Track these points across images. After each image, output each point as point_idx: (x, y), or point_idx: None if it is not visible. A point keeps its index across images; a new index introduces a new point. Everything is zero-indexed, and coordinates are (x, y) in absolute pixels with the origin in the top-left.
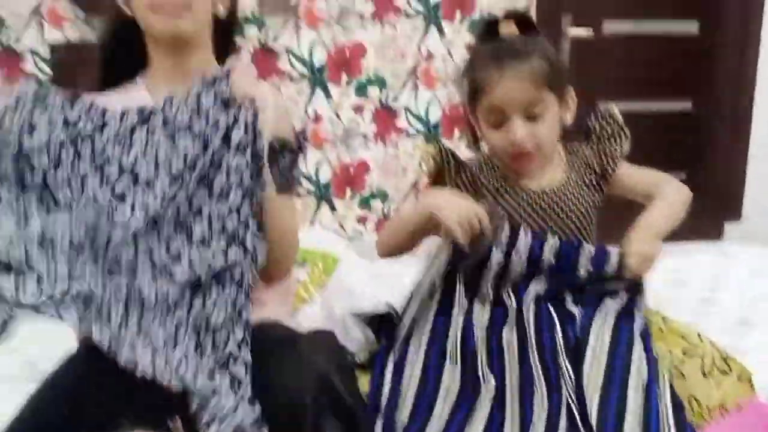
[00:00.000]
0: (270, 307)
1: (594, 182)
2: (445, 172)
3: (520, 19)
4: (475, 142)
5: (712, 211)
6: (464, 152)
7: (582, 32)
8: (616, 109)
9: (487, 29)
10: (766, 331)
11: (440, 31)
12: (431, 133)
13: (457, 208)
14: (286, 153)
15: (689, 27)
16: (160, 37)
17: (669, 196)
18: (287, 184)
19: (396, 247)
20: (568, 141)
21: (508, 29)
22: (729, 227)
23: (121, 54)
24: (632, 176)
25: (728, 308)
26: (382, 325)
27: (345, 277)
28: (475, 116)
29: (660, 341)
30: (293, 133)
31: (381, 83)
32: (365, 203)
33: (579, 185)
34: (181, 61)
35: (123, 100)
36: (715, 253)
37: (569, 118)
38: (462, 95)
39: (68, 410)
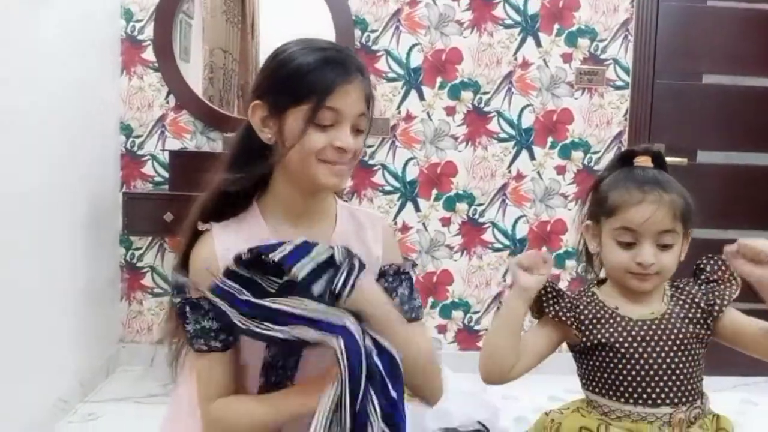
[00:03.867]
0: None
1: (700, 319)
2: (544, 301)
3: (655, 155)
4: (588, 259)
5: None
6: None
7: (676, 160)
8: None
9: (623, 159)
10: None
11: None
12: (517, 247)
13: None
14: (403, 278)
15: None
16: (314, 185)
17: None
18: (413, 309)
19: (500, 358)
20: (673, 278)
21: (644, 162)
22: None
23: (248, 173)
24: (741, 319)
25: None
26: None
27: None
28: (596, 233)
29: None
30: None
31: (470, 199)
32: (446, 312)
33: (681, 319)
34: (312, 201)
35: (242, 232)
36: None
37: (683, 255)
38: (586, 212)
39: None
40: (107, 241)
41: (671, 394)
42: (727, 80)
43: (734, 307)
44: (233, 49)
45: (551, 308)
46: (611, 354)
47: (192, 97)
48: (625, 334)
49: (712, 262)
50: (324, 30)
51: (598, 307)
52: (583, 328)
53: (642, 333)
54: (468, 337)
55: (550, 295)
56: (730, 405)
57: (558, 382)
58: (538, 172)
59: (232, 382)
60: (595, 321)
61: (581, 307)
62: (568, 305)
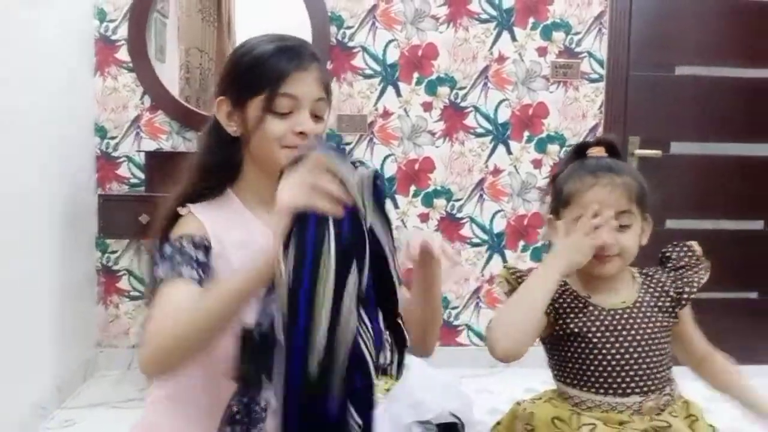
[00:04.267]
0: None
1: (669, 307)
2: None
3: (608, 145)
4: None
5: None
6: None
7: (650, 153)
8: (696, 244)
9: (577, 151)
10: None
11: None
12: (494, 241)
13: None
14: None
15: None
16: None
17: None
18: None
19: (523, 333)
20: (641, 266)
21: (598, 152)
22: None
23: (218, 167)
24: (689, 325)
25: None
26: None
27: (410, 382)
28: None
29: None
30: None
31: (448, 194)
32: None
33: (651, 308)
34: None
35: (222, 211)
36: None
37: (645, 239)
38: (547, 209)
39: None
40: (83, 244)
41: (641, 383)
42: (700, 71)
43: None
44: (209, 48)
45: None
46: (582, 344)
47: (168, 98)
48: (597, 323)
49: (678, 249)
50: (300, 27)
51: (571, 297)
52: (557, 316)
53: (614, 323)
54: (447, 332)
55: (523, 279)
56: (700, 392)
57: (533, 375)
58: (515, 167)
59: None
60: (569, 310)
61: (556, 295)
62: None
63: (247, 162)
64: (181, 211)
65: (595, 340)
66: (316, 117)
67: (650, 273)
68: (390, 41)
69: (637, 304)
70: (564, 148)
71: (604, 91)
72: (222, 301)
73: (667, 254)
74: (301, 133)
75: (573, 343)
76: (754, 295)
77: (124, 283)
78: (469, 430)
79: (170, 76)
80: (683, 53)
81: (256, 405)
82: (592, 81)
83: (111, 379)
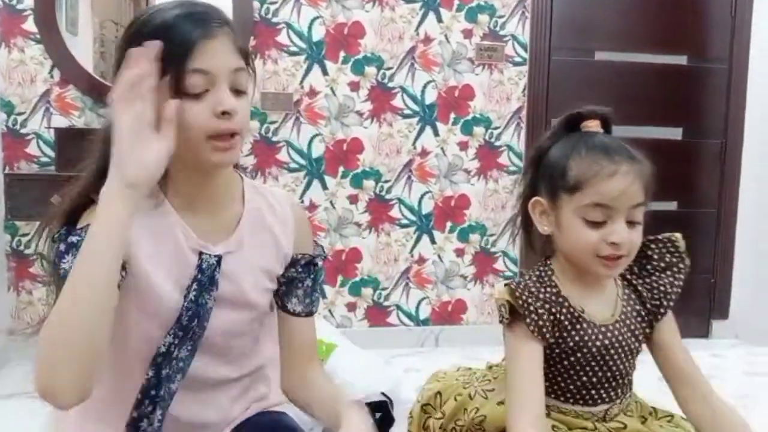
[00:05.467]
0: (274, 389)
1: (645, 319)
2: (524, 314)
3: (604, 119)
4: (527, 237)
5: (700, 310)
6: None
7: None
8: (680, 237)
9: (569, 123)
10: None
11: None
12: (423, 222)
13: None
14: (311, 270)
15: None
16: (209, 166)
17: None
18: (312, 302)
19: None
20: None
21: (594, 126)
22: (717, 326)
23: None
24: (672, 334)
25: None
26: (376, 412)
27: (338, 363)
28: (549, 210)
29: None
30: None
31: (376, 176)
32: (356, 290)
33: (633, 319)
34: (209, 182)
35: (154, 227)
36: (704, 353)
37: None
38: (527, 186)
39: None
40: None
41: (612, 394)
42: (618, 57)
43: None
44: (126, 21)
45: (535, 323)
46: (569, 361)
47: (80, 72)
48: (590, 344)
49: (661, 245)
50: (222, 2)
51: (564, 309)
52: (557, 335)
53: (601, 338)
54: (377, 313)
55: (531, 307)
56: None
57: (459, 353)
58: (442, 149)
59: None
60: (562, 328)
61: (555, 311)
62: (546, 314)
63: (176, 165)
64: (97, 198)
65: (584, 357)
66: (237, 92)
67: (630, 279)
68: (315, 18)
69: (622, 317)
70: (489, 130)
71: (527, 75)
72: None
73: (649, 253)
74: (224, 113)
75: (564, 360)
76: (673, 206)
77: (36, 268)
78: (398, 407)
79: (84, 49)
80: (603, 39)
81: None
82: (516, 64)
83: (25, 368)
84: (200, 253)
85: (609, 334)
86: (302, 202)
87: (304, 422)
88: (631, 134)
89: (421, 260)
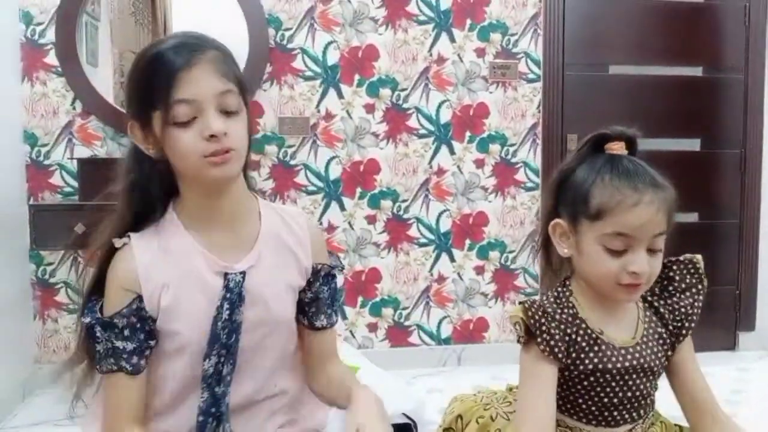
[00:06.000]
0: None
1: (667, 340)
2: (537, 334)
3: (629, 140)
4: (547, 258)
5: (726, 323)
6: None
7: None
8: (700, 258)
9: (595, 144)
10: None
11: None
12: (441, 241)
13: None
14: (330, 281)
15: (692, 145)
16: (211, 183)
17: None
18: (332, 314)
19: None
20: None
21: (618, 149)
22: (743, 337)
23: (149, 192)
24: (689, 358)
25: (746, 417)
26: None
27: None
28: (570, 233)
29: None
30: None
31: (394, 196)
32: (376, 310)
33: (655, 341)
34: (222, 198)
35: (162, 242)
36: (730, 367)
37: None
38: (550, 207)
39: None
40: (15, 257)
41: (634, 414)
42: (632, 70)
43: None
44: None
45: (547, 344)
46: (588, 382)
47: (101, 103)
48: (609, 365)
49: (682, 266)
50: (237, 29)
51: (581, 331)
52: (573, 356)
53: (625, 362)
54: (398, 333)
55: (544, 326)
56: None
57: (482, 372)
58: (458, 167)
59: (142, 405)
60: (579, 350)
61: (570, 332)
62: (560, 334)
63: (179, 180)
64: (117, 242)
65: (604, 379)
66: (227, 113)
67: (652, 301)
68: (329, 43)
69: (644, 338)
70: (505, 147)
71: (541, 91)
72: None
73: (671, 274)
74: (212, 136)
75: (583, 381)
76: (694, 217)
77: (62, 296)
78: (422, 428)
79: (105, 80)
80: (615, 52)
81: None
82: (530, 81)
83: (51, 396)
84: (225, 274)
85: (629, 357)
86: (321, 224)
87: None
88: (649, 146)
89: (441, 279)
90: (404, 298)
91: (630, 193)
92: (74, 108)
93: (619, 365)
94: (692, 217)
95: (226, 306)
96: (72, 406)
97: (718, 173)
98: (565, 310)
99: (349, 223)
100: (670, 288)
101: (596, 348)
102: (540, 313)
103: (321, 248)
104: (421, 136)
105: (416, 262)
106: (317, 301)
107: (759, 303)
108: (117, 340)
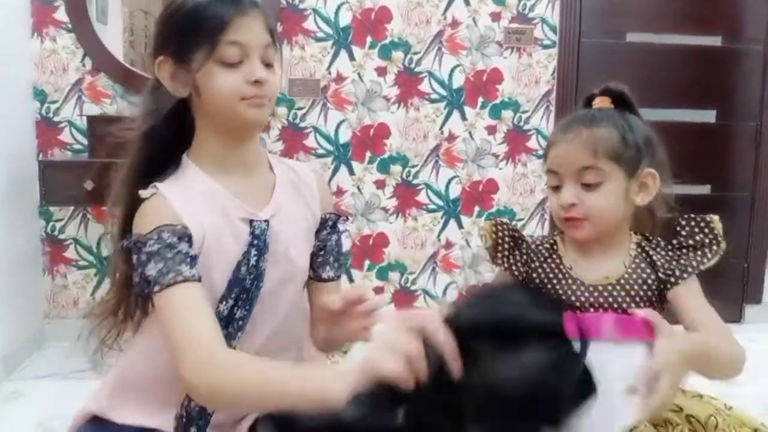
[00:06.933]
0: None
1: (655, 288)
2: (499, 250)
3: (614, 94)
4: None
5: (733, 295)
6: None
7: None
8: (717, 220)
9: (584, 103)
10: None
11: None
12: (450, 207)
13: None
14: (338, 230)
15: (705, 118)
16: (242, 126)
17: (735, 346)
18: (340, 266)
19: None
20: (651, 236)
21: (601, 102)
22: (750, 311)
23: (168, 135)
24: (690, 298)
25: (754, 391)
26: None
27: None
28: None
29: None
30: None
31: (403, 161)
32: (383, 275)
33: (639, 285)
34: (241, 147)
35: (189, 189)
36: (737, 336)
37: (642, 200)
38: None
39: None
40: (25, 213)
41: None
42: (650, 38)
43: None
44: (154, 10)
45: (505, 260)
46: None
47: (110, 60)
48: (573, 298)
49: (693, 223)
50: None
51: (553, 264)
52: (533, 286)
53: (591, 299)
54: (404, 297)
55: (506, 245)
56: None
57: None
58: (470, 133)
59: (218, 326)
60: (546, 280)
61: (537, 262)
62: (524, 258)
63: (201, 124)
64: (144, 193)
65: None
66: (267, 66)
67: (648, 246)
68: (342, 4)
69: (622, 281)
70: (518, 114)
71: (556, 58)
72: (281, 396)
73: (678, 228)
74: (256, 82)
75: None
76: (707, 189)
77: (70, 253)
78: None
79: (114, 38)
80: (634, 20)
81: None
82: (545, 47)
83: (60, 350)
84: (250, 221)
85: (597, 295)
86: (330, 188)
87: None
88: (663, 117)
89: (449, 245)
90: (411, 263)
91: (557, 132)
92: (84, 65)
93: (583, 299)
94: (704, 189)
95: (253, 252)
96: (93, 359)
97: (732, 145)
98: (545, 244)
99: (358, 187)
100: (674, 242)
101: (564, 282)
102: (505, 232)
103: (328, 198)
104: (432, 101)
105: (424, 227)
106: (324, 250)
107: (767, 276)
108: (172, 247)
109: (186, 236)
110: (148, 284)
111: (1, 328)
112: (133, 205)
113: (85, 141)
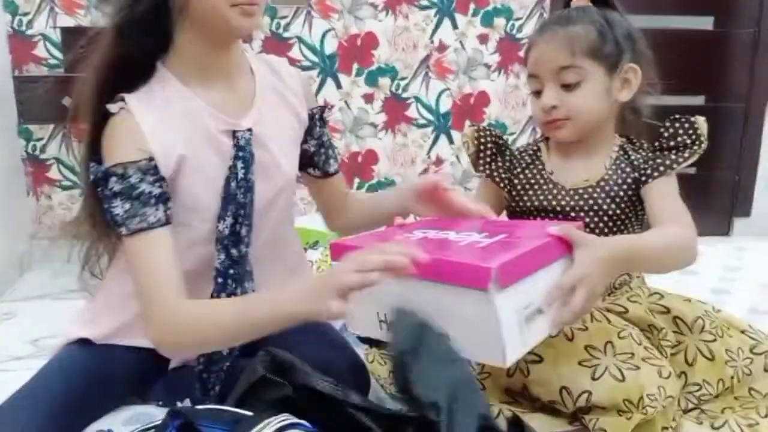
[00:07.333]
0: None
1: (632, 186)
2: (481, 156)
3: None
4: None
5: (722, 207)
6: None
7: None
8: (702, 120)
9: (564, 4)
10: None
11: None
12: (441, 122)
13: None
14: (325, 122)
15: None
16: (232, 33)
17: (673, 236)
18: (334, 157)
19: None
20: (636, 139)
21: (579, 2)
22: (738, 223)
23: (142, 37)
24: (660, 196)
25: (741, 297)
26: None
27: None
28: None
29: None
30: None
31: (392, 73)
32: (373, 192)
33: (619, 185)
34: (224, 53)
35: (161, 101)
36: (725, 247)
37: (625, 95)
38: None
39: (69, 386)
40: (3, 133)
41: None
42: (639, 21)
43: None
44: None
45: (486, 167)
46: (537, 217)
47: None
48: (554, 203)
49: (677, 124)
50: None
51: (535, 170)
52: (514, 192)
53: (572, 203)
54: None
55: (488, 152)
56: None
57: None
58: (461, 42)
59: (180, 272)
60: (528, 186)
61: (519, 168)
62: (506, 165)
63: (184, 30)
64: (112, 108)
65: (552, 217)
66: None
67: (631, 148)
68: (327, 31)
69: (602, 183)
70: (511, 22)
71: None
72: (244, 334)
73: (661, 130)
74: None
75: (532, 215)
76: (701, 100)
77: (54, 173)
78: None
79: None
80: (623, 2)
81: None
82: None
83: (49, 271)
84: (233, 132)
85: (576, 197)
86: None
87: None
88: (659, 24)
89: (439, 162)
90: (401, 180)
91: (535, 35)
92: None
93: (563, 203)
94: (698, 100)
95: (240, 165)
96: (81, 278)
97: (728, 54)
98: (529, 151)
99: (346, 102)
100: (656, 143)
101: (545, 187)
102: (488, 138)
103: (311, 94)
104: (422, 8)
105: (414, 143)
106: (323, 146)
107: (757, 189)
108: (135, 188)
109: (151, 170)
110: (115, 224)
111: None
112: (101, 119)
113: (60, 56)
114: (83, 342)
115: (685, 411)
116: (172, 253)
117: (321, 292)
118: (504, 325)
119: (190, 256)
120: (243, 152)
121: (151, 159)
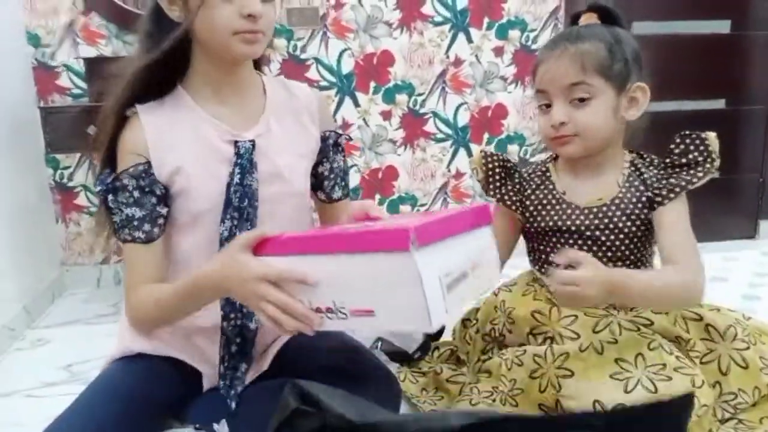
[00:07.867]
0: None
1: (646, 205)
2: (491, 181)
3: (603, 12)
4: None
5: (747, 210)
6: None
7: None
8: (714, 137)
9: (572, 21)
10: None
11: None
12: (459, 135)
13: None
14: (339, 149)
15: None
16: (235, 58)
17: (673, 279)
18: (347, 185)
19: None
20: (646, 154)
21: (587, 19)
22: (765, 225)
23: (164, 58)
24: (671, 226)
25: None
26: None
27: None
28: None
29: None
30: None
31: (409, 89)
32: (394, 208)
33: (634, 204)
34: (234, 73)
35: (171, 112)
36: (753, 252)
37: (633, 114)
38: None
39: (118, 407)
40: (31, 162)
41: None
42: (656, 27)
43: None
44: None
45: (497, 191)
46: (555, 239)
47: None
48: (569, 222)
49: (687, 140)
50: None
51: (546, 191)
52: (527, 214)
53: (587, 222)
54: None
55: (497, 176)
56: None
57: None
58: (476, 56)
59: (159, 272)
60: (540, 207)
61: (529, 190)
62: (516, 188)
63: (197, 52)
64: (129, 112)
65: (567, 236)
66: None
67: (641, 163)
68: (343, 50)
69: (616, 201)
70: (525, 34)
71: None
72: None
73: (671, 146)
74: (250, 15)
75: (547, 238)
76: (721, 104)
77: (81, 200)
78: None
79: None
80: (640, 9)
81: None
82: None
83: (80, 297)
84: (235, 142)
85: (591, 216)
86: (335, 121)
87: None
88: (678, 30)
89: (459, 175)
90: (422, 195)
91: (545, 51)
92: (75, 5)
93: (579, 222)
94: (719, 104)
95: (237, 171)
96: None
97: (747, 57)
98: (538, 172)
99: (364, 119)
100: (667, 160)
101: (558, 207)
102: (496, 162)
103: (327, 116)
104: (436, 24)
105: (433, 158)
106: (332, 173)
107: None
108: (127, 207)
109: (147, 174)
110: (113, 231)
111: (20, 278)
112: (120, 124)
113: (83, 85)
114: (126, 360)
115: (722, 421)
116: (149, 263)
117: (244, 295)
118: (426, 284)
119: (196, 257)
120: (242, 160)
121: (148, 163)
